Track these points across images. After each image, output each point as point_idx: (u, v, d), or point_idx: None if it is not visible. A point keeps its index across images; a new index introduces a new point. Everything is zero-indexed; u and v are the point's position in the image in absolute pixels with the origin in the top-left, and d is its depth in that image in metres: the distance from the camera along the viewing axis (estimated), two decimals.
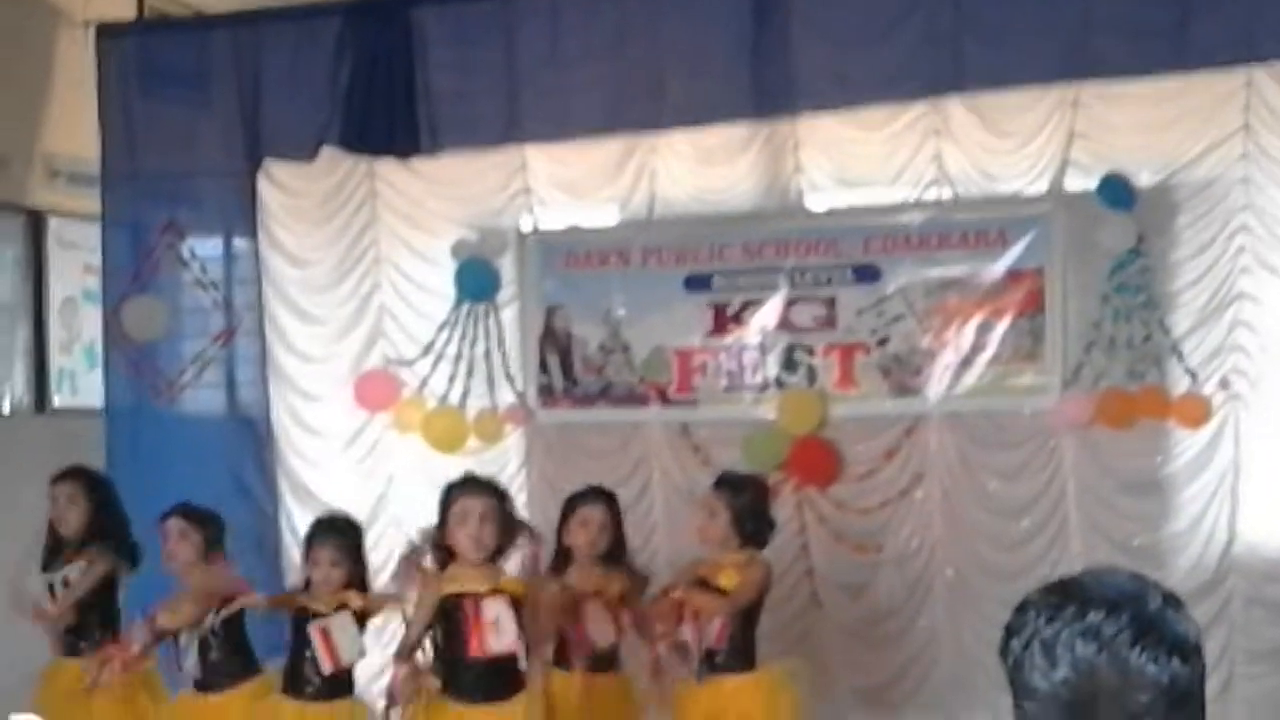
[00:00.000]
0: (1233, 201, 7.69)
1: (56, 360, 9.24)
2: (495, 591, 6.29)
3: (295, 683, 6.73)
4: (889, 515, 8.19)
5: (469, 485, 6.51)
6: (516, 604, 6.30)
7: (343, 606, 6.70)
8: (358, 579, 6.82)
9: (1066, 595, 2.30)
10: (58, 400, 9.21)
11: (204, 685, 6.99)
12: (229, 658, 6.99)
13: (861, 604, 8.25)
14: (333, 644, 6.66)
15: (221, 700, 6.92)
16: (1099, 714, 2.16)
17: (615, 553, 7.09)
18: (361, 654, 6.76)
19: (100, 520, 7.54)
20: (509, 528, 6.47)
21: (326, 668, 6.66)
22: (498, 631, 6.26)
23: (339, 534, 6.88)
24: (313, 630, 6.67)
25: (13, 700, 7.12)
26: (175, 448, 8.91)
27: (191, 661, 7.01)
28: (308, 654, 6.69)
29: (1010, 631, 2.32)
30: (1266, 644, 7.60)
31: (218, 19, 9.50)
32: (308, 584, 6.81)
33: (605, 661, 6.96)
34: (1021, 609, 2.34)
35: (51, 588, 7.47)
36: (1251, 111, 7.62)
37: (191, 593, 7.03)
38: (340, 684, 6.75)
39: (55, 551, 7.57)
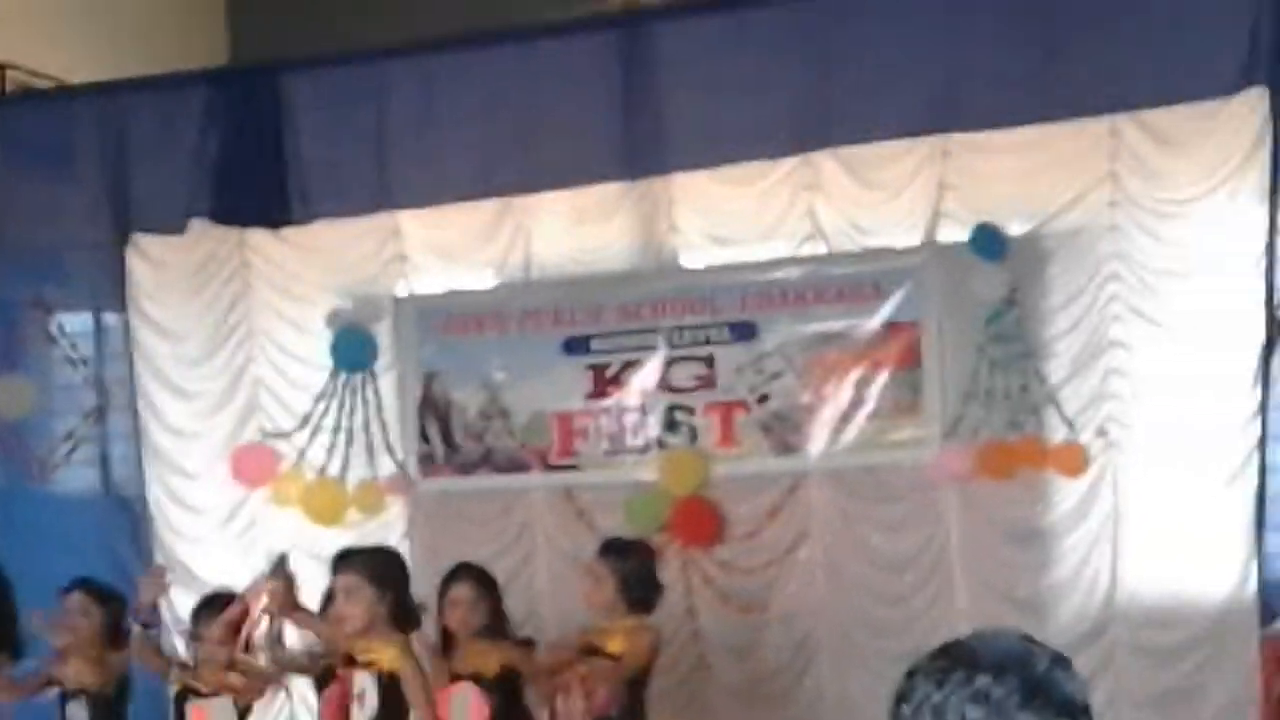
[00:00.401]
0: (1102, 249, 7.73)
1: None
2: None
3: None
4: (774, 574, 8.16)
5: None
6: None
7: (225, 689, 6.60)
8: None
9: (954, 660, 2.28)
10: None
11: None
12: None
13: (748, 664, 8.21)
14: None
15: None
16: None
17: (494, 627, 7.03)
18: None
19: None
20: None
21: None
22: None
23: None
24: (191, 710, 6.57)
25: None
26: (50, 528, 8.75)
27: None
28: None
29: (900, 698, 2.30)
30: (1150, 691, 7.63)
31: (82, 90, 9.41)
32: (192, 662, 6.70)
33: None
34: (910, 675, 2.33)
35: None
36: (1118, 159, 7.67)
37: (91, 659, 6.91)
38: None
39: None
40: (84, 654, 7.07)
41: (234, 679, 6.60)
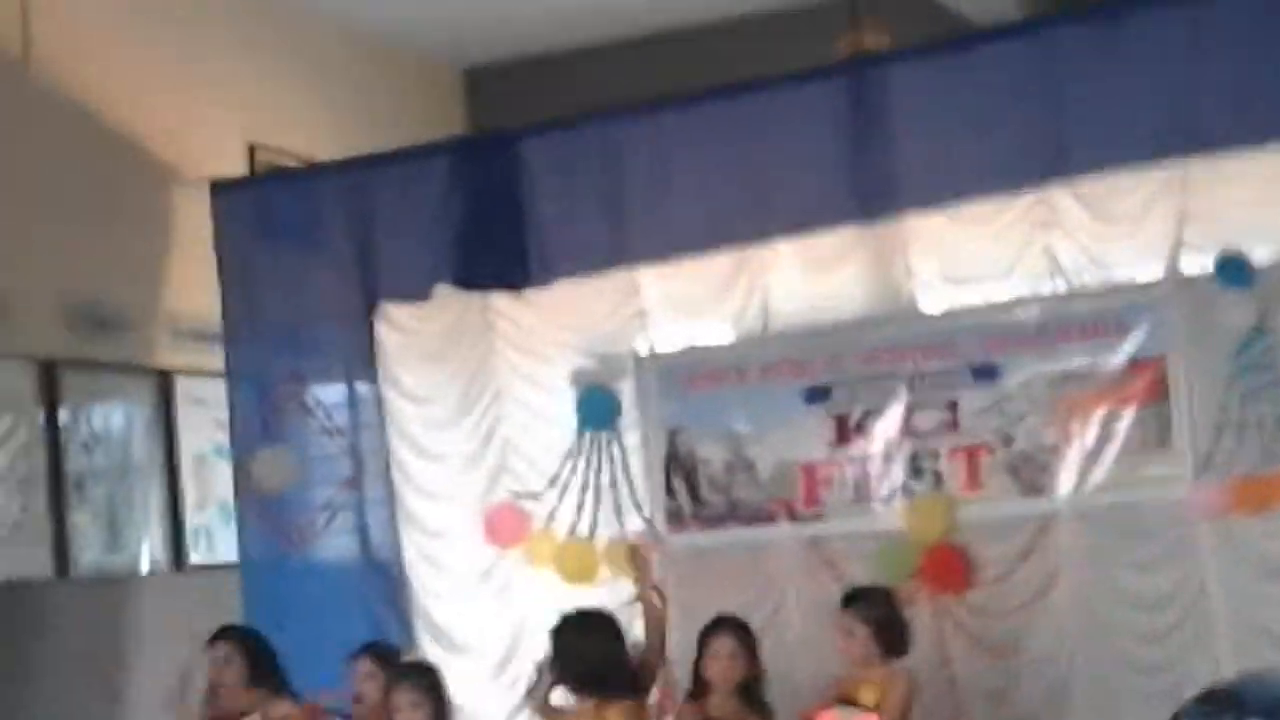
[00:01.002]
0: None
1: (192, 518, 9.37)
2: None
3: None
4: (1027, 618, 7.99)
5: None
6: None
7: None
8: None
9: (1220, 704, 2.23)
10: (194, 557, 9.33)
11: None
12: None
13: (1005, 709, 8.03)
14: None
15: None
16: None
17: (751, 682, 7.03)
18: None
19: (260, 675, 7.60)
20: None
21: None
22: None
23: (418, 676, 6.92)
24: None
25: None
26: (311, 596, 8.96)
27: None
28: None
29: None
30: None
31: (327, 167, 9.68)
32: None
33: None
34: (1175, 718, 2.29)
35: None
36: None
37: None
38: None
39: (219, 712, 7.64)
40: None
41: None
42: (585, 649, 6.47)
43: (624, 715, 6.32)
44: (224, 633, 7.78)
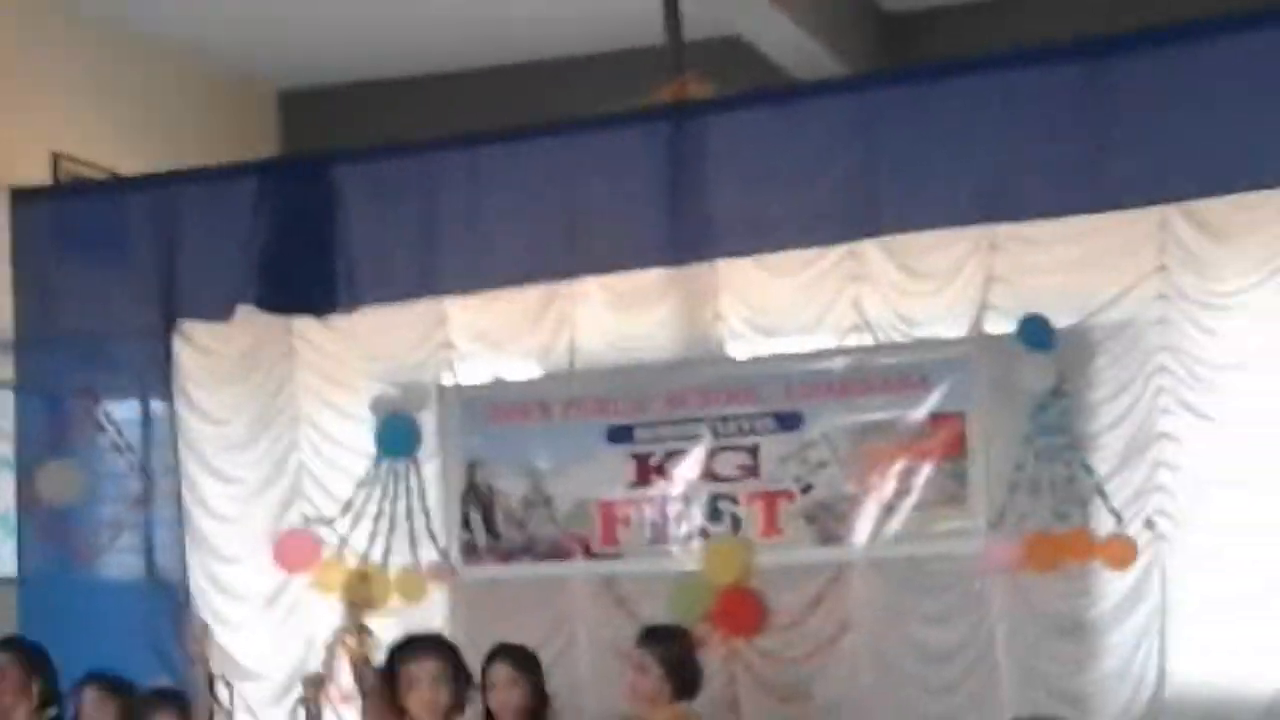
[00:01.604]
0: (1150, 342, 7.67)
1: None
2: None
3: None
4: (817, 664, 8.06)
5: (417, 646, 6.46)
6: None
7: None
8: None
9: None
10: None
11: None
12: None
13: None
14: None
15: None
16: None
17: (534, 708, 6.97)
18: None
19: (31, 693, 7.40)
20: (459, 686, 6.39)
21: None
22: None
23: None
24: None
25: None
26: (92, 615, 8.74)
27: None
28: None
29: None
30: None
31: (133, 181, 9.50)
32: None
33: None
34: None
35: None
36: (1167, 252, 7.62)
37: None
38: None
39: None
40: None
41: None
42: None
43: None
44: (10, 644, 7.57)
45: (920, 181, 7.80)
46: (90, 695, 7.14)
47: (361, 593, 7.97)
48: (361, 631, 7.35)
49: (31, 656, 7.55)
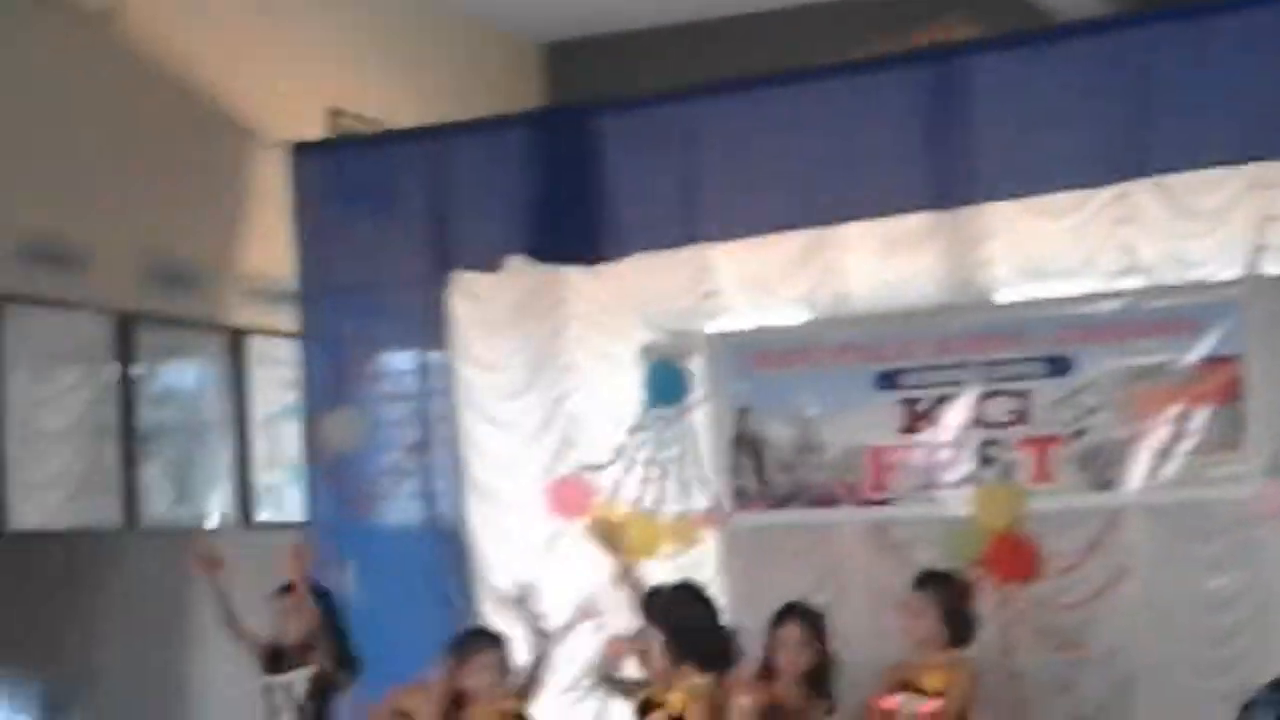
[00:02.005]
0: None
1: (261, 475, 9.45)
2: None
3: None
4: (1092, 611, 8.00)
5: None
6: None
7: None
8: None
9: None
10: (262, 514, 9.41)
11: None
12: None
13: (1067, 703, 8.04)
14: None
15: None
16: None
17: (819, 671, 7.00)
18: None
19: (324, 629, 7.67)
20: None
21: None
22: None
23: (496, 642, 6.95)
24: None
25: None
26: (375, 557, 9.02)
27: None
28: None
29: None
30: None
31: (406, 134, 9.71)
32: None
33: None
34: (1248, 706, 2.29)
35: (271, 691, 7.63)
36: None
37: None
38: None
39: (276, 660, 7.72)
40: None
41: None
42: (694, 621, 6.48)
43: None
44: (288, 589, 7.85)
45: (1191, 119, 7.65)
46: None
47: (612, 538, 8.00)
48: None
49: (318, 597, 7.80)
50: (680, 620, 6.59)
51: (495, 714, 6.85)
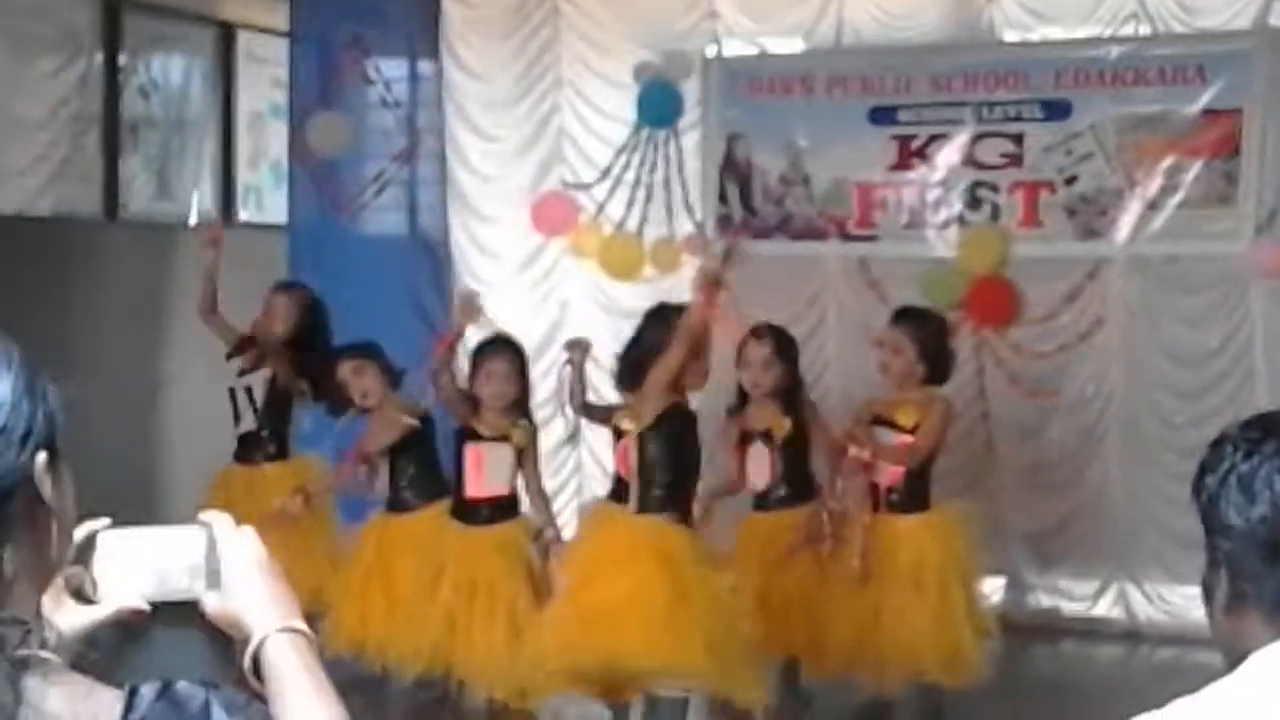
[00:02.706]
0: None
1: (243, 174, 9.35)
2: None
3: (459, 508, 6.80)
4: (1067, 360, 8.01)
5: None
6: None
7: (505, 438, 6.71)
8: (524, 402, 6.83)
9: (1267, 430, 2.18)
10: (243, 214, 9.34)
11: (395, 506, 7.08)
12: (419, 479, 7.05)
13: (1035, 449, 8.10)
14: (484, 471, 6.70)
15: (408, 521, 6.96)
16: None
17: (788, 388, 6.99)
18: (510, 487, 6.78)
19: (303, 336, 7.57)
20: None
21: (471, 491, 6.72)
22: None
23: (512, 351, 6.90)
24: (468, 452, 6.72)
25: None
26: (355, 265, 8.93)
27: (383, 483, 7.09)
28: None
29: (1205, 468, 2.21)
30: None
31: None
32: (475, 403, 6.78)
33: (761, 501, 6.90)
34: (1218, 444, 2.23)
35: (233, 396, 7.58)
36: None
37: (383, 419, 7.07)
38: (505, 508, 6.81)
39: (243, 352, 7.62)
40: None
41: (518, 431, 6.71)
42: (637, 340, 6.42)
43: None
44: (289, 287, 7.77)
45: None
46: (349, 368, 7.21)
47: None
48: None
49: (311, 306, 7.69)
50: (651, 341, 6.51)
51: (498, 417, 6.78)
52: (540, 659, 6.12)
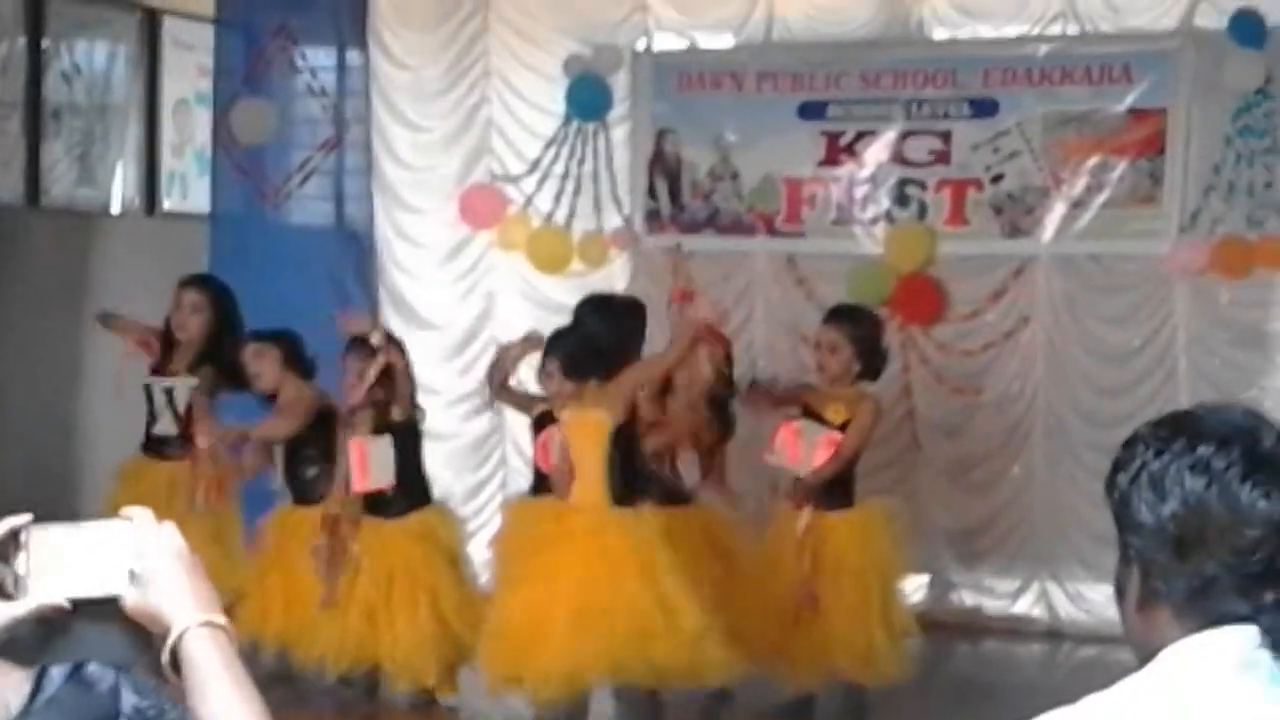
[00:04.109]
0: None
1: (167, 163, 9.26)
2: None
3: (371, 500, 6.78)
4: (992, 357, 8.04)
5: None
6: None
7: (384, 428, 6.70)
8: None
9: (1177, 429, 2.19)
10: (167, 203, 9.25)
11: (300, 499, 7.03)
12: (323, 471, 6.99)
13: (959, 445, 8.14)
14: (368, 464, 6.67)
15: (310, 513, 6.91)
16: (1207, 549, 2.08)
17: (721, 391, 6.96)
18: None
19: (218, 336, 7.48)
20: None
21: (356, 486, 6.69)
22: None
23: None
24: (351, 446, 6.70)
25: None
26: (279, 255, 8.84)
27: (280, 478, 7.07)
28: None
29: (1117, 466, 2.23)
30: None
31: None
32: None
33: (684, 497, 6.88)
34: (1130, 443, 2.25)
35: (150, 394, 7.50)
36: None
37: (285, 408, 7.02)
38: (415, 495, 6.80)
39: (166, 355, 7.54)
40: None
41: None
42: (591, 331, 6.39)
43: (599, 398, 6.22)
44: (200, 282, 7.68)
45: None
46: (249, 351, 7.16)
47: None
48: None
49: (223, 300, 7.60)
50: (583, 334, 6.49)
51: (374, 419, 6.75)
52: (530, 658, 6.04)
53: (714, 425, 6.92)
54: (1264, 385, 7.59)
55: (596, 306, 6.56)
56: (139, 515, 1.90)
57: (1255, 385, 7.60)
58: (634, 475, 6.30)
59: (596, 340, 6.33)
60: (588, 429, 6.22)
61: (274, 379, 7.02)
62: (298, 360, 7.06)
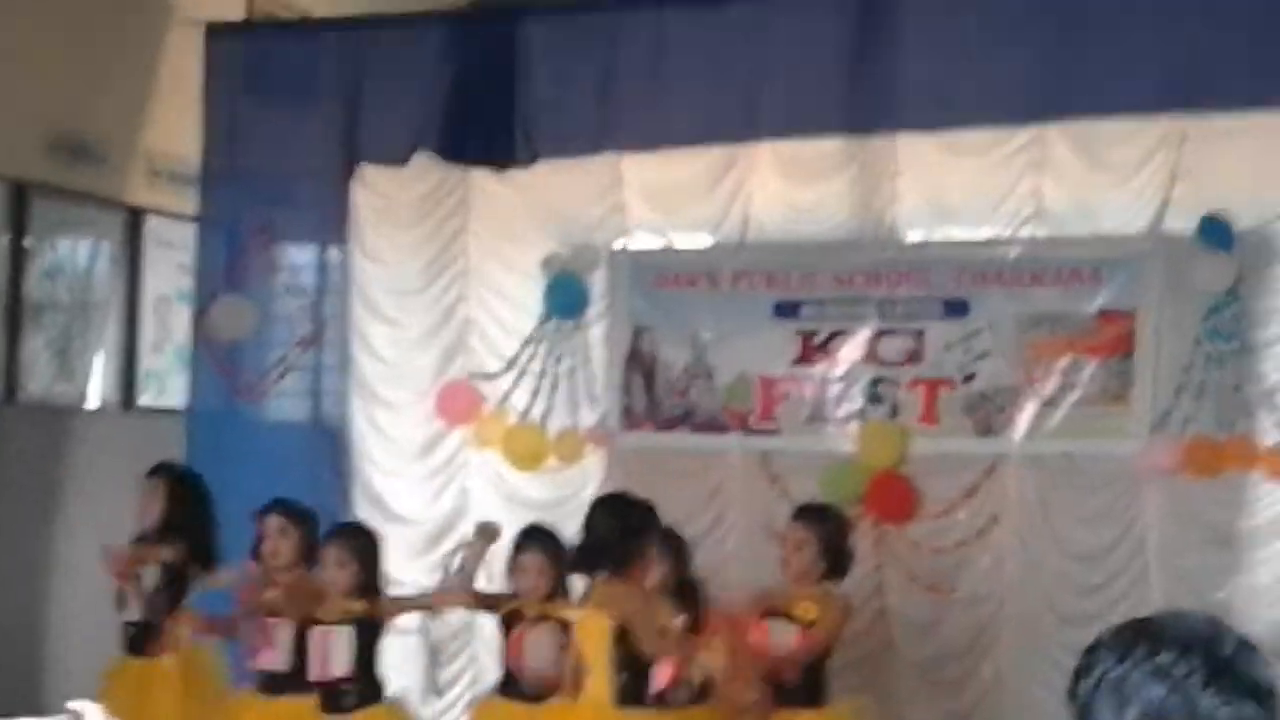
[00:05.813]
0: None
1: (146, 359, 9.32)
2: None
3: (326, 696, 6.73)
4: (964, 555, 8.00)
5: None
6: None
7: (349, 618, 6.70)
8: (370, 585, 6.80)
9: (1138, 635, 2.22)
10: (144, 398, 9.28)
11: (265, 686, 6.98)
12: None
13: (931, 644, 8.08)
14: (326, 654, 6.65)
15: (280, 706, 6.88)
16: None
17: (682, 588, 6.96)
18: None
19: (178, 516, 7.51)
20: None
21: (314, 674, 6.65)
22: None
23: (350, 537, 6.90)
24: (313, 635, 6.68)
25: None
26: (255, 450, 8.88)
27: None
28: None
29: (1080, 673, 2.24)
30: None
31: (324, 23, 9.57)
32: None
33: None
34: (1092, 649, 2.27)
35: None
36: None
37: (290, 589, 7.00)
38: (369, 692, 6.75)
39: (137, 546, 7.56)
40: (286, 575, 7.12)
41: (359, 604, 6.72)
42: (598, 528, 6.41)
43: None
44: (158, 468, 7.69)
45: (1112, 65, 7.53)
46: (274, 522, 7.20)
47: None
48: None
49: (180, 481, 7.64)
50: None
51: (341, 611, 6.75)
52: None
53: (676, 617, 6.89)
54: (1237, 588, 7.58)
55: (602, 508, 6.57)
56: (88, 710, 1.91)
57: (1226, 585, 7.58)
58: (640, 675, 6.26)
59: (608, 536, 6.34)
60: (598, 628, 6.20)
61: (289, 560, 7.02)
62: (309, 547, 7.05)
